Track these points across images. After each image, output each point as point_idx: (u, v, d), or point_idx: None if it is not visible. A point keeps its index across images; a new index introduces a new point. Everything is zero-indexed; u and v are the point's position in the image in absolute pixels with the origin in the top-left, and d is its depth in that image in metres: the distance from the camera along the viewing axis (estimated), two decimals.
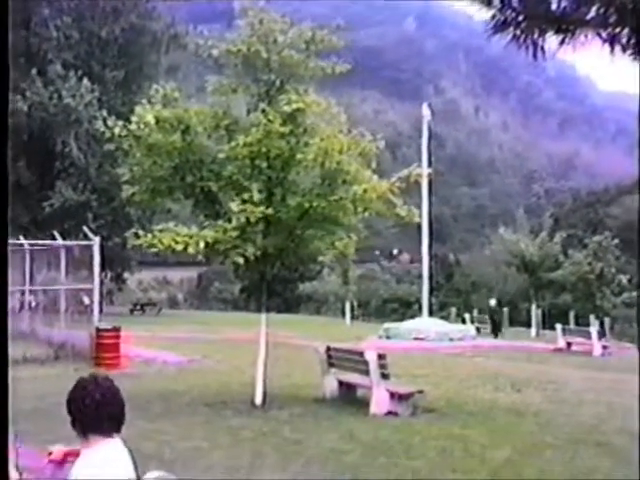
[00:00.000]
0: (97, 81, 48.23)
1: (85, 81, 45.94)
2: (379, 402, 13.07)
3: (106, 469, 3.55)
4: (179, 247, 12.23)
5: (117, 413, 3.70)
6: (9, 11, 3.50)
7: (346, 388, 14.65)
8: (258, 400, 13.49)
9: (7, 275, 3.65)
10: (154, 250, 12.48)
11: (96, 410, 3.62)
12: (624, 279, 54.43)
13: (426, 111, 37.78)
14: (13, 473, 3.71)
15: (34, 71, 45.69)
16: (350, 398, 14.45)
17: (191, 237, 12.31)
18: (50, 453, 4.01)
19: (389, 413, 12.90)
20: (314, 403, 14.08)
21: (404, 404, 13.13)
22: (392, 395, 13.11)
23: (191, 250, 12.29)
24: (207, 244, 12.34)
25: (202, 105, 13.92)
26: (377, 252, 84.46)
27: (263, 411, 13.07)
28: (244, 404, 13.38)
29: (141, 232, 12.71)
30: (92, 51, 51.88)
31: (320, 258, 16.37)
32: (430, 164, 34.07)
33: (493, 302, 43.28)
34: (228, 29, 14.84)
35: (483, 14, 4.84)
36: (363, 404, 13.51)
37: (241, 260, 12.61)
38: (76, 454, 3.81)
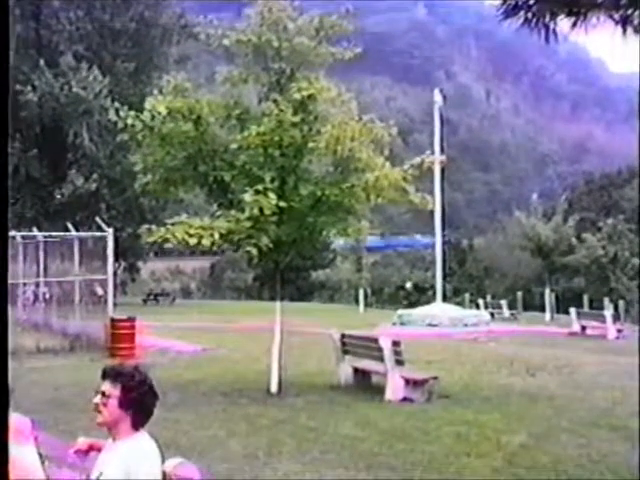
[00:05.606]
0: (108, 72, 48.16)
1: (95, 71, 45.89)
2: (394, 388, 13.08)
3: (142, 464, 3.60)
4: (193, 240, 12.16)
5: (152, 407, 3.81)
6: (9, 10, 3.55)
7: (361, 375, 14.68)
8: (274, 388, 13.52)
9: (7, 267, 3.68)
10: (168, 245, 12.50)
11: (140, 404, 3.71)
12: (638, 262, 54.23)
13: (438, 97, 37.57)
14: (37, 460, 3.75)
15: (42, 62, 45.59)
16: (365, 385, 14.49)
17: (204, 229, 12.24)
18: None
19: (404, 399, 12.91)
20: (329, 390, 14.10)
21: (419, 390, 13.14)
22: (407, 381, 13.13)
23: (205, 242, 12.22)
24: (221, 235, 12.31)
25: (213, 95, 13.92)
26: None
27: (279, 399, 13.10)
28: (260, 392, 13.42)
29: (154, 227, 12.65)
30: (104, 42, 51.88)
31: (334, 243, 16.30)
32: (442, 150, 33.92)
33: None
34: (238, 18, 14.80)
35: None
36: (378, 391, 13.52)
37: (255, 251, 12.59)
38: (99, 447, 3.89)
